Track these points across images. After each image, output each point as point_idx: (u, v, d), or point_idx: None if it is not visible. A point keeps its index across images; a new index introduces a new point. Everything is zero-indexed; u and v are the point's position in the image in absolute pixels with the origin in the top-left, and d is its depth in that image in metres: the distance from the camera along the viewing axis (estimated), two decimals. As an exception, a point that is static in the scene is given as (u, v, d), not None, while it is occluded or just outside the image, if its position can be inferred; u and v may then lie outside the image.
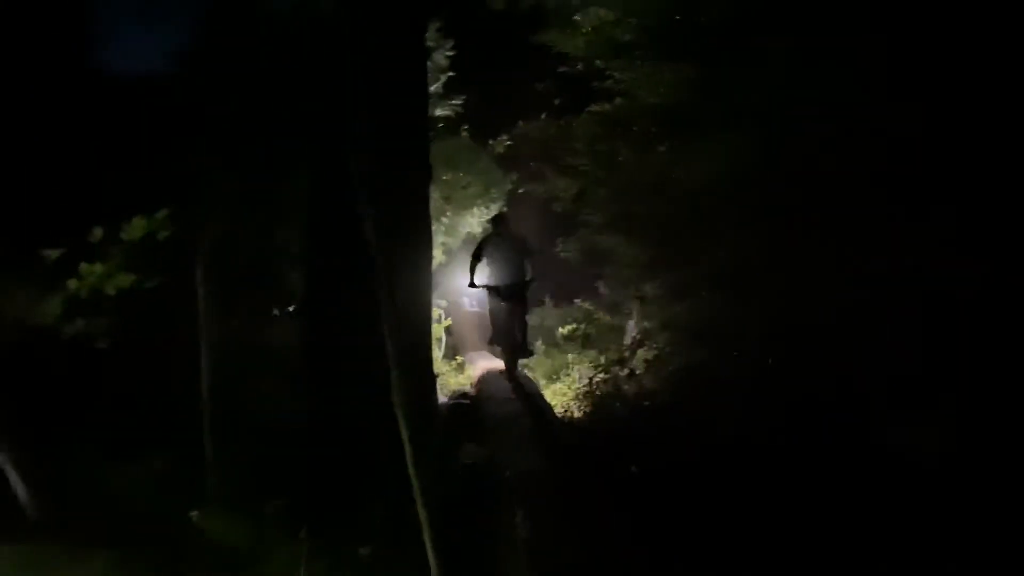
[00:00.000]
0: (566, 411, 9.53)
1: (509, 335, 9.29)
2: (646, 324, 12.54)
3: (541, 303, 16.53)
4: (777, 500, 5.70)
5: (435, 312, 13.48)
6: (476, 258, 9.09)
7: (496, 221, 9.75)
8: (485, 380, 10.18)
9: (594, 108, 13.27)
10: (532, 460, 6.60)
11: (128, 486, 4.84)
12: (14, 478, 4.07)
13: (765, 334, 8.49)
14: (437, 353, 12.27)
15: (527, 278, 9.25)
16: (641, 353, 11.04)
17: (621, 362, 10.83)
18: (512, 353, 9.45)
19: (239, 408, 5.93)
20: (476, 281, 9.09)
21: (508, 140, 16.51)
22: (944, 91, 6.56)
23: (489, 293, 9.30)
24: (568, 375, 12.10)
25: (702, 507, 5.69)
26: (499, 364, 10.21)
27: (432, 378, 8.97)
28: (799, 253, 8.88)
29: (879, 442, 6.06)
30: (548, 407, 8.76)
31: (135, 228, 4.77)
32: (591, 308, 15.38)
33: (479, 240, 9.57)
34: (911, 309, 6.60)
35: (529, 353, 10.14)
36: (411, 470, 4.33)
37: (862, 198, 7.48)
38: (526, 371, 10.80)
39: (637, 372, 10.44)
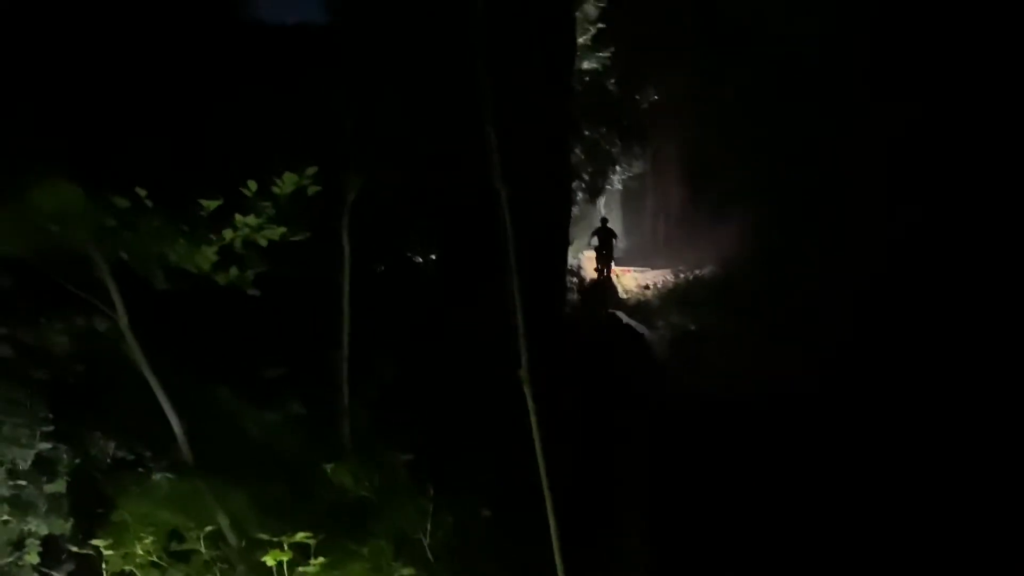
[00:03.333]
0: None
1: (601, 273, 19.32)
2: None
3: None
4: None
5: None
6: (592, 235, 19.43)
7: (603, 222, 19.74)
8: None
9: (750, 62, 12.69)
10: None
11: (266, 430, 5.09)
12: (173, 419, 4.33)
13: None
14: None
15: (612, 248, 19.46)
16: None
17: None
18: (600, 276, 19.39)
19: (374, 359, 6.12)
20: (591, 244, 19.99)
21: (655, 95, 16.01)
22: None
23: (596, 252, 19.31)
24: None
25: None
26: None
27: (561, 347, 9.21)
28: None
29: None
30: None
31: (286, 183, 4.86)
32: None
33: (594, 229, 19.46)
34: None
35: (609, 281, 19.68)
36: (535, 442, 4.31)
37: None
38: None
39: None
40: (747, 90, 14.64)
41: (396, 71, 6.36)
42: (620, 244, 20.71)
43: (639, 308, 16.86)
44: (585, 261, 20.34)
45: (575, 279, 17.40)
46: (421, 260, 10.39)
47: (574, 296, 16.20)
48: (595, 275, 19.77)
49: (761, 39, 14.20)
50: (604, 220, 20.32)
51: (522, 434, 4.49)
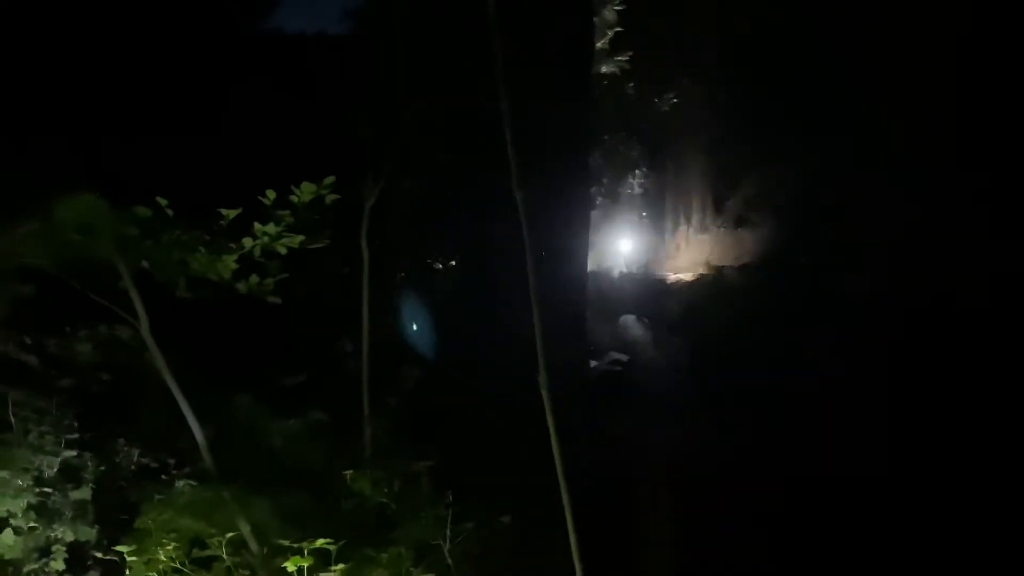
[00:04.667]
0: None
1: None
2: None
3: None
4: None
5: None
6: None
7: (641, 217, 18.58)
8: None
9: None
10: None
11: (287, 437, 5.12)
12: (195, 427, 4.36)
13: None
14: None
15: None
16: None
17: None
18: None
19: (395, 367, 6.14)
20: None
21: (675, 98, 15.94)
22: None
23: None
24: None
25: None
26: None
27: (582, 355, 9.22)
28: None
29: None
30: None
31: (304, 192, 4.89)
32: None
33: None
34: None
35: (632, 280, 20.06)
36: (553, 449, 4.29)
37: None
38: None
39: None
40: (765, 95, 14.59)
41: (414, 78, 6.39)
42: (638, 248, 21.51)
43: (656, 311, 16.82)
44: (606, 264, 20.56)
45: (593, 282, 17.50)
46: (441, 266, 10.42)
47: (593, 298, 16.24)
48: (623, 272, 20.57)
49: (780, 45, 14.16)
50: (642, 215, 21.17)
51: (541, 439, 4.48)
